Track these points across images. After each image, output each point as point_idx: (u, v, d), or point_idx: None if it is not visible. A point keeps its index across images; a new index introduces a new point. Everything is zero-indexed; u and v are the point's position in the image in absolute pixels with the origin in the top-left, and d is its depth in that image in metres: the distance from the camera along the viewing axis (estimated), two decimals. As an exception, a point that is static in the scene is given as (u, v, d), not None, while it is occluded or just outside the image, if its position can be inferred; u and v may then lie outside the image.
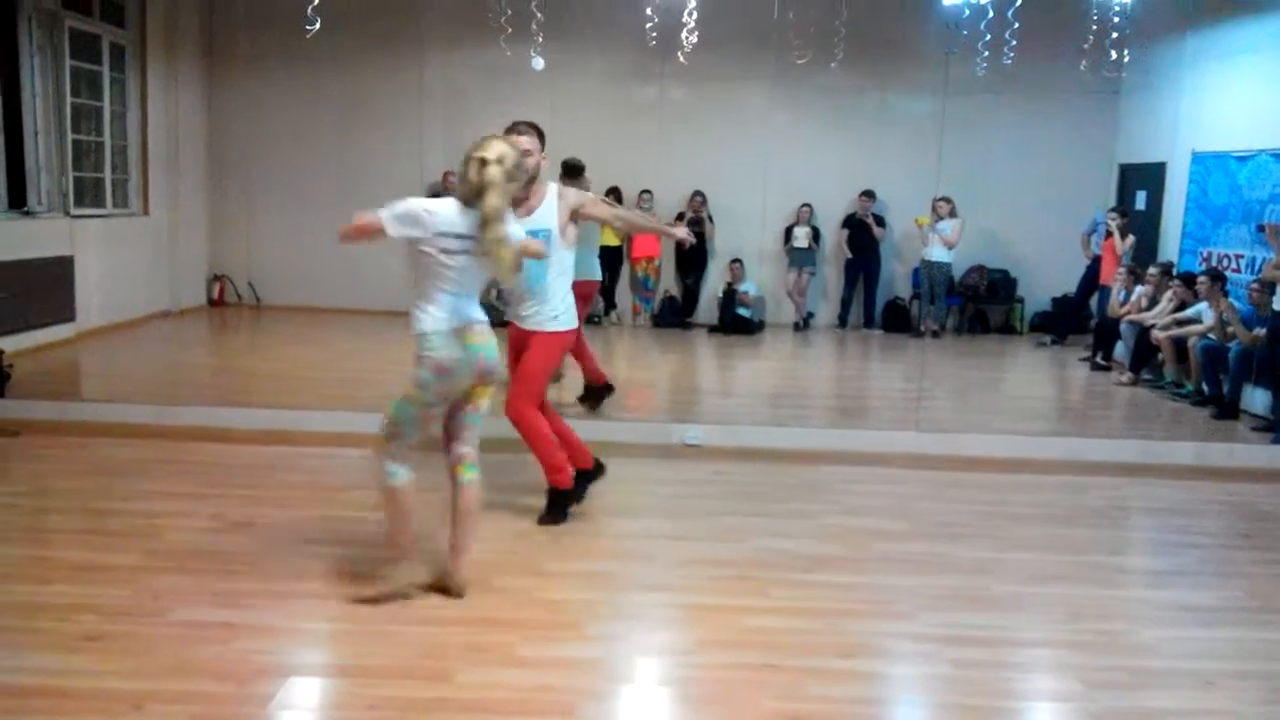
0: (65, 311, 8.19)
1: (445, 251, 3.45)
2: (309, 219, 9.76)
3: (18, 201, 8.01)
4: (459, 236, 3.46)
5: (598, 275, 6.68)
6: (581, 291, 6.34)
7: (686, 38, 7.91)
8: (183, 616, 3.46)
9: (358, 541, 4.20)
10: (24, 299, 7.53)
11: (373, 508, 4.20)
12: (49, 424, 5.82)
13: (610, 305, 10.76)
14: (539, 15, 7.92)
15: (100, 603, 3.53)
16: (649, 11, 7.92)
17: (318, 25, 6.56)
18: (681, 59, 8.16)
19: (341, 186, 9.53)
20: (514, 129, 4.23)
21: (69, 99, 8.34)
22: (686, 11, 7.82)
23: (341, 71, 9.88)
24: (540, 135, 4.35)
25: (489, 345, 3.61)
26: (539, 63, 8.86)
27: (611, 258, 10.64)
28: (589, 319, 10.63)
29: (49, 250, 7.98)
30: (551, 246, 4.29)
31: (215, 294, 10.57)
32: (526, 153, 4.20)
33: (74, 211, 8.46)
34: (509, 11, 8.15)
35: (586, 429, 5.95)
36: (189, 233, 10.14)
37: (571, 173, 6.45)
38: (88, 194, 8.86)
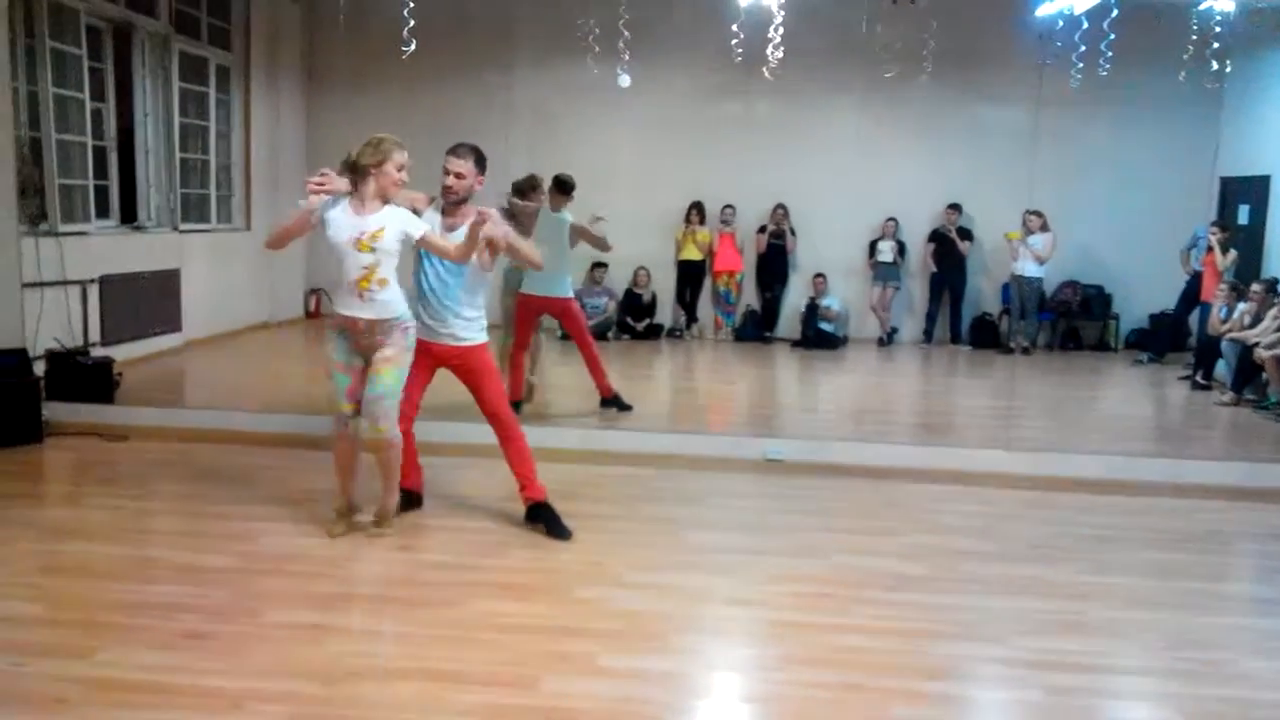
0: (172, 322, 8.54)
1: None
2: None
3: (129, 216, 8.41)
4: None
5: (568, 292, 6.63)
6: (547, 308, 6.46)
7: (772, 53, 7.90)
8: (278, 618, 3.58)
9: (446, 549, 4.29)
10: (134, 310, 7.89)
11: (467, 513, 4.34)
12: (155, 429, 6.08)
13: (692, 319, 10.78)
14: (626, 33, 8.01)
15: (201, 603, 3.68)
16: (735, 28, 7.93)
17: (413, 46, 6.76)
18: (767, 74, 8.15)
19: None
20: (453, 151, 4.33)
21: (177, 119, 8.74)
22: (773, 27, 7.81)
23: (434, 91, 10.10)
24: (480, 160, 4.37)
25: None
26: (625, 80, 8.96)
27: (693, 271, 10.70)
28: (670, 332, 10.71)
29: (158, 264, 8.35)
30: (469, 268, 4.37)
31: (312, 306, 10.90)
32: (458, 175, 4.32)
33: (181, 226, 8.84)
34: (596, 30, 8.26)
35: (672, 444, 6.00)
36: (288, 247, 10.48)
37: (562, 189, 6.42)
38: (194, 210, 9.25)
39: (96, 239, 7.65)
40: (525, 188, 6.33)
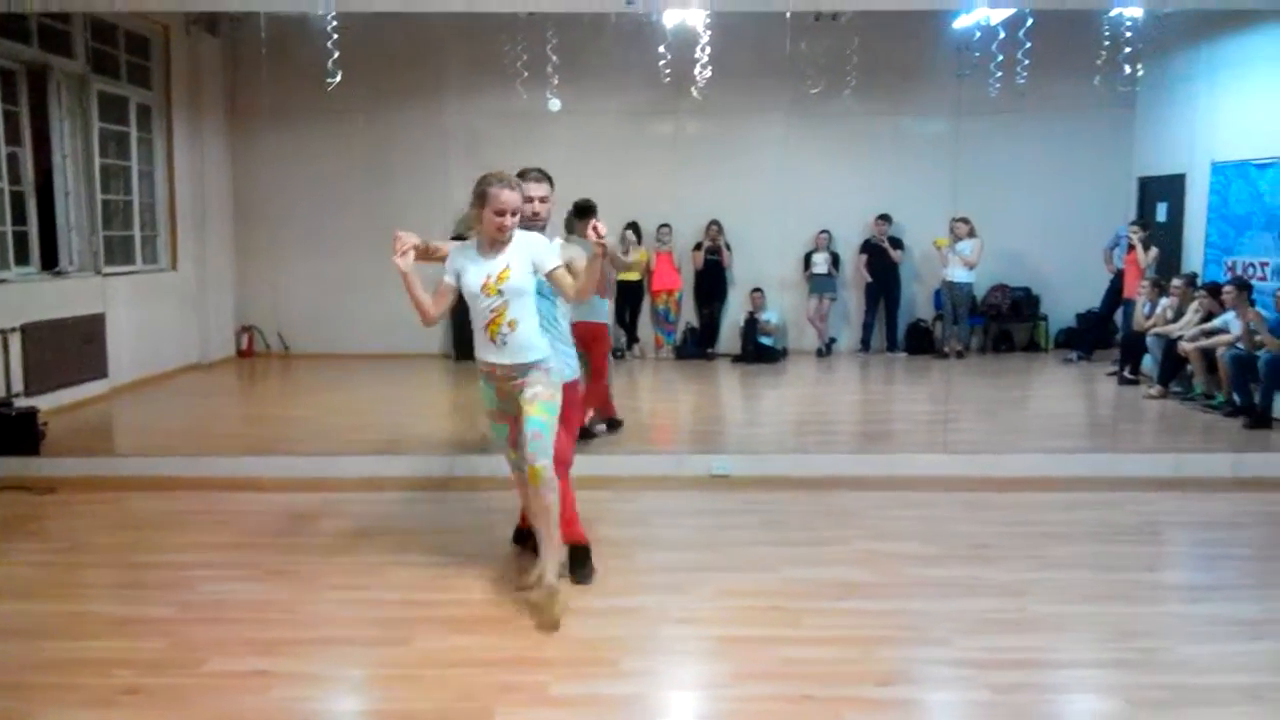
0: (98, 368, 8.30)
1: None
2: (335, 268, 9.91)
3: (50, 262, 8.18)
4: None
5: (603, 318, 6.53)
6: (586, 333, 6.32)
7: (700, 73, 7.99)
8: (220, 667, 3.49)
9: (392, 586, 4.22)
10: (58, 358, 7.66)
11: (414, 548, 4.27)
12: (83, 480, 5.90)
13: (632, 339, 10.80)
14: (554, 58, 8.04)
15: (138, 656, 3.57)
16: (662, 49, 8.01)
17: (339, 78, 6.70)
18: (696, 94, 8.23)
19: (367, 234, 9.61)
20: (523, 176, 4.17)
21: (98, 160, 8.54)
22: (699, 47, 7.90)
23: (363, 122, 10.04)
24: (551, 182, 4.28)
25: None
26: (555, 104, 8.98)
27: (632, 291, 10.73)
28: (611, 353, 10.70)
29: (81, 309, 8.12)
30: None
31: (244, 345, 10.71)
32: (542, 199, 4.20)
33: (105, 270, 8.62)
34: (524, 56, 8.27)
35: (618, 464, 6.00)
36: (217, 286, 10.30)
37: (579, 214, 6.41)
38: (117, 252, 9.03)
39: (16, 286, 7.44)
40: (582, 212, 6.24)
